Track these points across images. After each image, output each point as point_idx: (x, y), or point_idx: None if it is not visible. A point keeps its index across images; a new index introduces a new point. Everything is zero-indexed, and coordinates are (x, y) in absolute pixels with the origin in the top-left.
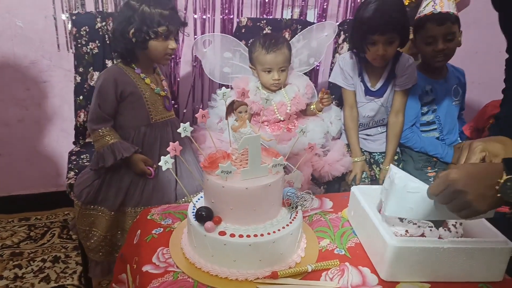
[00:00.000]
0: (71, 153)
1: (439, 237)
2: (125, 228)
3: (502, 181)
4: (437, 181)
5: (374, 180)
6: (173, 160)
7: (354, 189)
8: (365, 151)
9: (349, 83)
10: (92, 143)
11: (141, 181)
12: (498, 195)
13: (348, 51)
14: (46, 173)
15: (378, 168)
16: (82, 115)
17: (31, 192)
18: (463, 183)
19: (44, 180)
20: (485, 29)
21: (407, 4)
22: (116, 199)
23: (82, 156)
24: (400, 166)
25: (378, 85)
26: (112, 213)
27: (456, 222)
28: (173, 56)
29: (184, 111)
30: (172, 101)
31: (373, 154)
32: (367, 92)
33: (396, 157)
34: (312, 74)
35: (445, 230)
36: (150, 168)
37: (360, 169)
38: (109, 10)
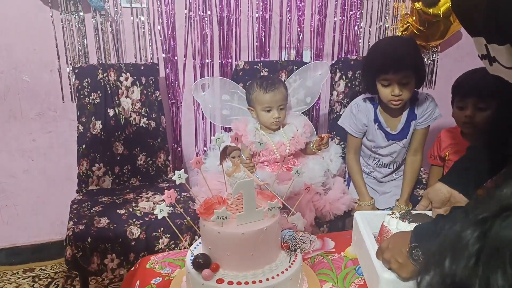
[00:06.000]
0: (73, 202)
1: None
2: None
3: (407, 249)
4: (377, 249)
5: None
6: (169, 208)
7: (357, 215)
8: None
9: (357, 130)
10: None
11: None
12: (412, 261)
13: (360, 95)
14: (51, 222)
15: None
16: (84, 163)
17: (36, 241)
18: (386, 254)
19: (49, 229)
20: (479, 61)
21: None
22: None
23: (83, 205)
24: None
25: (399, 127)
26: None
27: None
28: (174, 101)
29: (194, 155)
30: (175, 145)
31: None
32: (389, 136)
33: None
34: (313, 113)
35: None
36: None
37: None
38: (112, 62)
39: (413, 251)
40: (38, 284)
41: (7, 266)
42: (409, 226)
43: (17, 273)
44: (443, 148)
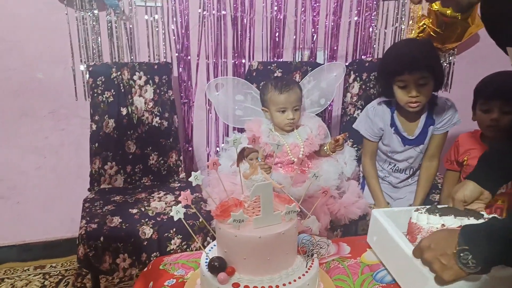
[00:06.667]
0: (85, 201)
1: None
2: None
3: (455, 252)
4: (415, 248)
5: None
6: (184, 210)
7: (375, 212)
8: None
9: (373, 134)
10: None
11: None
12: (459, 265)
13: (376, 99)
14: (61, 219)
15: None
16: (97, 161)
17: (47, 239)
18: (428, 254)
19: (60, 226)
20: (496, 64)
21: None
22: None
23: (95, 204)
24: None
25: (417, 132)
26: None
27: None
28: (186, 101)
29: (205, 155)
30: (186, 145)
31: None
32: (405, 142)
33: None
34: (325, 114)
35: None
36: None
37: None
38: (125, 60)
39: (461, 254)
40: (49, 281)
41: (18, 263)
42: (442, 220)
43: (28, 269)
44: (461, 153)
